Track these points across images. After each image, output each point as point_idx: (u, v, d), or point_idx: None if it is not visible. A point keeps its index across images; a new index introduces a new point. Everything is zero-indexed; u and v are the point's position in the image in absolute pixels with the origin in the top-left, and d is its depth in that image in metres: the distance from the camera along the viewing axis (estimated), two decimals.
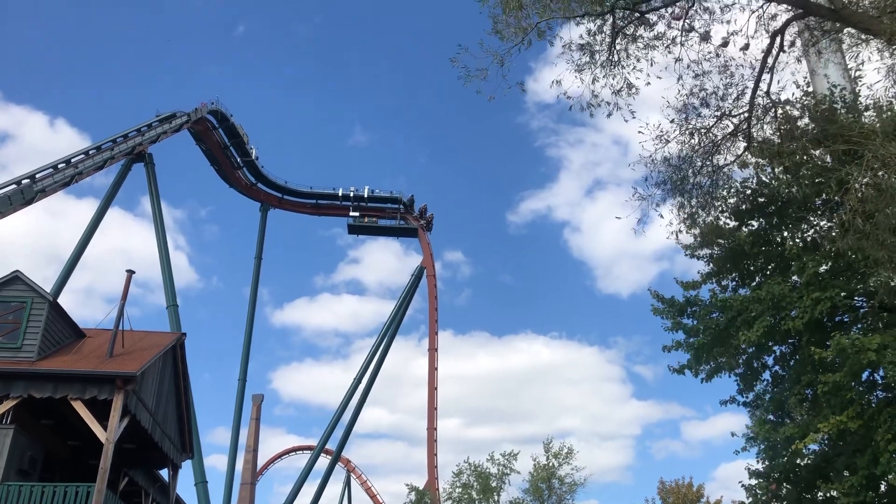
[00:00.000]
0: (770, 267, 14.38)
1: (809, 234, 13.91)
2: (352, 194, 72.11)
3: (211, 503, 47.02)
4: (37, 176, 42.02)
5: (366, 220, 72.55)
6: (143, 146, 52.50)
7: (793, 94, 12.85)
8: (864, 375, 12.69)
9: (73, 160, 45.17)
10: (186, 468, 42.10)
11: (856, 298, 13.13)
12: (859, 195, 10.52)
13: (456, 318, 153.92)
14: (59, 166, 44.01)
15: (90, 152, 47.10)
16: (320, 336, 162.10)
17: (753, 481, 13.25)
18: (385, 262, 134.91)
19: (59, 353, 23.05)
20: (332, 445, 61.36)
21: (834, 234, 12.37)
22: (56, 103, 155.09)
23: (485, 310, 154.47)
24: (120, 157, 50.32)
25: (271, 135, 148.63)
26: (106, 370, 21.62)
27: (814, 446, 12.73)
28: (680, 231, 14.03)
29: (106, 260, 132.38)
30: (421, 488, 56.90)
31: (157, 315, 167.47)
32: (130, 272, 24.33)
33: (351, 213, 72.32)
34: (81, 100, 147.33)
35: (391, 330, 64.27)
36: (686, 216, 13.68)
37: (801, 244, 13.45)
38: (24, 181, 40.96)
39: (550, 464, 51.60)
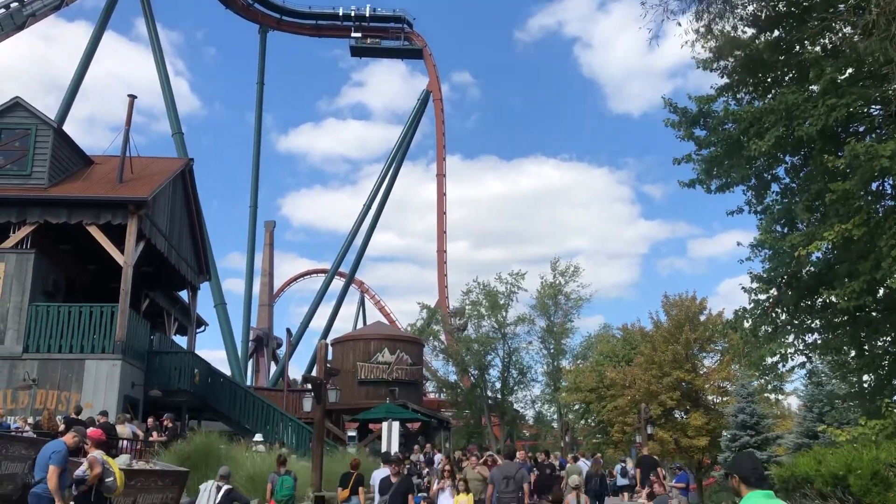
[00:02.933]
0: (787, 77, 13.94)
1: (830, 41, 13.35)
2: (353, 14, 69.29)
3: (231, 323, 49.13)
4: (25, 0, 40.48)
5: (368, 41, 70.17)
6: None
7: None
8: (874, 186, 12.67)
9: None
10: (205, 291, 43.63)
11: (873, 106, 12.82)
12: None
13: (464, 143, 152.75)
14: None
15: None
16: (328, 162, 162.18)
17: (755, 285, 13.57)
18: (390, 84, 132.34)
19: (70, 179, 23.22)
20: (344, 268, 63.11)
21: (856, 38, 11.89)
22: None
23: (493, 133, 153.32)
24: None
25: None
26: (118, 195, 21.89)
27: (818, 254, 12.92)
28: (696, 41, 13.48)
29: (106, 87, 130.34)
30: (432, 307, 59.20)
31: (164, 143, 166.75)
32: (132, 97, 23.96)
33: (353, 34, 69.86)
34: None
35: (399, 155, 64.11)
36: (703, 26, 13.10)
37: (820, 51, 12.95)
38: (12, 5, 39.52)
39: (557, 282, 53.37)
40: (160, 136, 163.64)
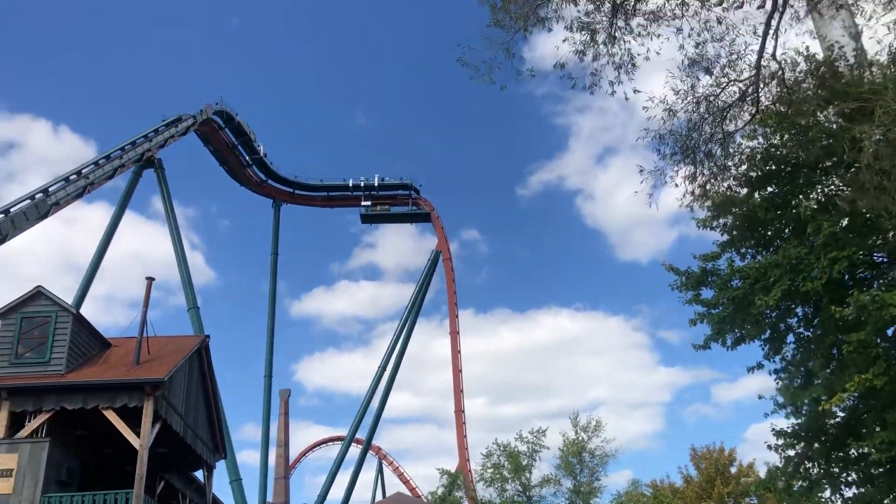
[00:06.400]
0: (787, 231, 14.29)
1: (823, 194, 13.78)
2: (362, 184, 72.15)
3: (247, 499, 47.58)
4: (49, 189, 42.34)
5: (378, 208, 72.61)
6: (151, 152, 52.74)
7: (791, 58, 12.69)
8: (889, 331, 12.64)
9: (83, 171, 45.42)
10: (221, 467, 42.62)
11: (875, 254, 13.04)
12: (873, 152, 10.44)
13: (476, 297, 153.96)
14: (71, 178, 44.26)
15: (100, 162, 47.35)
16: (341, 324, 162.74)
17: (780, 441, 13.27)
18: (401, 244, 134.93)
19: (87, 364, 23.38)
20: (361, 434, 61.91)
21: (847, 193, 12.28)
22: (57, 110, 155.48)
23: (505, 286, 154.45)
24: (130, 164, 50.59)
25: (272, 125, 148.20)
26: (134, 378, 21.92)
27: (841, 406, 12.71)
28: (693, 201, 13.92)
29: (123, 266, 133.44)
30: (453, 471, 57.36)
31: (179, 315, 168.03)
32: (150, 279, 24.55)
33: (363, 203, 72.43)
34: (81, 105, 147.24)
35: (412, 314, 64.53)
36: (697, 187, 13.58)
37: (814, 206, 13.33)
38: (37, 195, 41.27)
39: (579, 438, 51.85)
40: (176, 308, 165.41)
